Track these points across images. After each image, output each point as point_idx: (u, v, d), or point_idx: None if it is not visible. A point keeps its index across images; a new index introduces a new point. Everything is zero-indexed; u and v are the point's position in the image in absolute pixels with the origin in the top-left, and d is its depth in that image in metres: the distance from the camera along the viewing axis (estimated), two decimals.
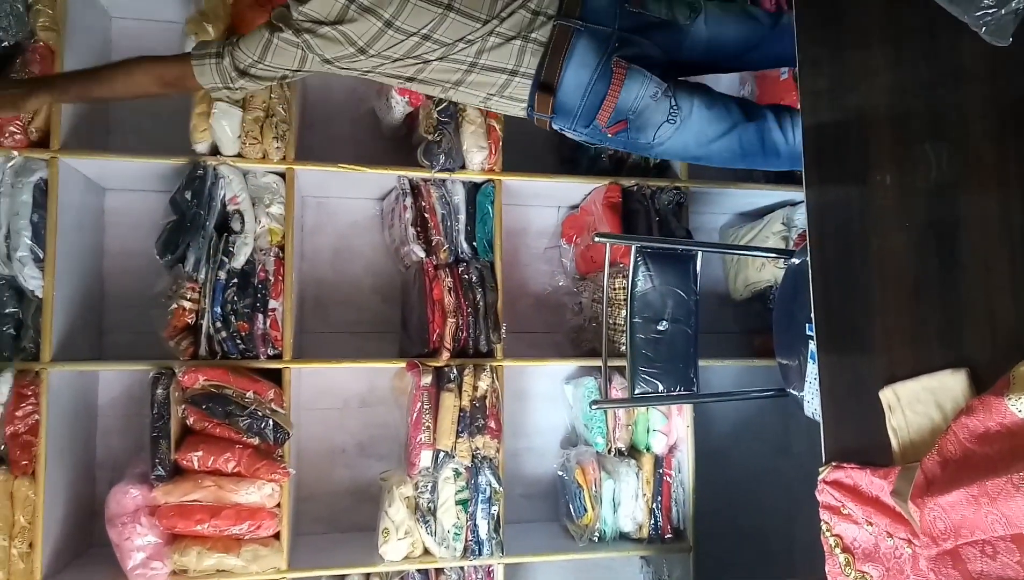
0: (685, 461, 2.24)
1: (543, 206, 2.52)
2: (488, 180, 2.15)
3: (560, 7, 1.51)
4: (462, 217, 2.12)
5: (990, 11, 0.81)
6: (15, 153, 1.81)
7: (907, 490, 0.89)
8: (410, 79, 1.55)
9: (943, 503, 0.82)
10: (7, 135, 1.79)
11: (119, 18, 2.22)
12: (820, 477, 1.11)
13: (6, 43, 1.80)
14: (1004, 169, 0.85)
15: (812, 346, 1.68)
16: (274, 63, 1.48)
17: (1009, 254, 0.83)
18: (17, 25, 1.78)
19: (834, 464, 1.09)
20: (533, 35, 1.50)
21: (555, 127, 1.62)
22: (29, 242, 1.80)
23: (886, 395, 0.99)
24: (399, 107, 2.08)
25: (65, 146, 1.86)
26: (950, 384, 0.89)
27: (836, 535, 1.07)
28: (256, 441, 1.87)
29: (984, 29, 0.82)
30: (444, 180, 2.13)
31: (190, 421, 1.86)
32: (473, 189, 2.17)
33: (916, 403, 0.94)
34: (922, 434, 0.93)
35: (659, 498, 2.20)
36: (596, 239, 1.89)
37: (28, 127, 1.82)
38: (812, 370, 1.75)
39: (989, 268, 0.86)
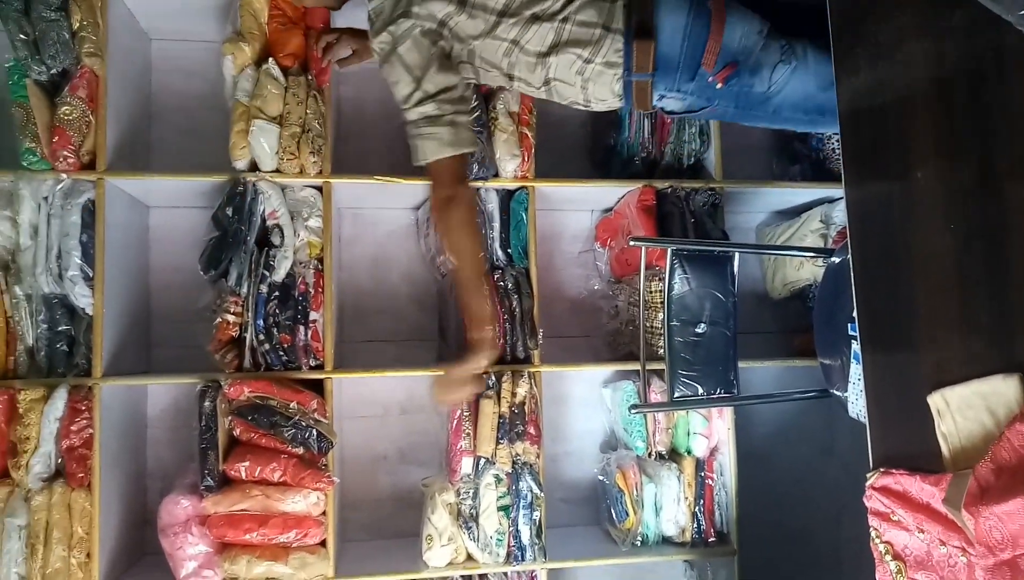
0: (727, 464, 2.22)
1: (576, 210, 2.52)
2: (521, 187, 2.16)
3: None
4: (496, 224, 2.14)
5: None
6: (64, 176, 1.87)
7: (959, 498, 0.88)
8: (509, 71, 1.53)
9: (999, 512, 0.81)
10: (61, 159, 1.85)
11: (158, 40, 2.28)
12: (868, 483, 1.10)
13: (54, 70, 1.86)
14: None
15: (855, 346, 1.66)
16: (426, 67, 1.45)
17: None
18: (64, 53, 1.84)
19: (882, 470, 1.08)
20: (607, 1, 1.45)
21: (657, 95, 1.50)
22: (79, 261, 1.85)
23: (935, 400, 0.97)
24: None
25: (111, 167, 1.92)
26: (1002, 389, 0.87)
27: (886, 542, 1.05)
28: (301, 451, 1.91)
29: None
30: (478, 188, 2.15)
31: (236, 432, 1.90)
32: (507, 196, 2.18)
33: (967, 408, 0.92)
34: (974, 440, 0.91)
35: (701, 501, 2.19)
36: (632, 243, 1.88)
37: (80, 150, 1.88)
38: (856, 370, 1.73)
39: None
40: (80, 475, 1.82)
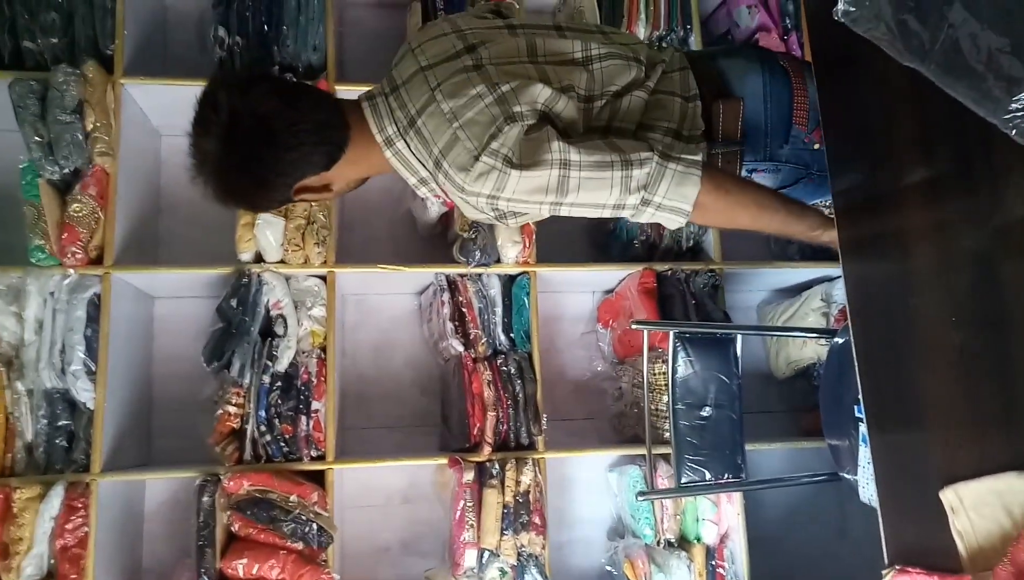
0: (738, 551, 2.16)
1: (578, 292, 2.54)
2: (523, 272, 2.18)
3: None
4: (499, 310, 2.15)
5: (1019, 113, 0.82)
6: (71, 271, 1.90)
7: None
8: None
9: None
10: (69, 255, 1.88)
11: (168, 135, 2.35)
12: None
13: (67, 170, 1.91)
14: None
15: (863, 428, 1.64)
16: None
17: None
18: (77, 153, 1.90)
19: (898, 568, 1.05)
20: (676, 72, 1.27)
21: (746, 171, 1.31)
22: (83, 356, 1.86)
23: (947, 496, 0.95)
24: (434, 207, 2.14)
25: (118, 261, 1.94)
26: (1018, 487, 0.86)
27: None
28: (300, 546, 1.86)
29: (1015, 132, 0.83)
30: (480, 274, 2.17)
31: (235, 528, 1.86)
32: (509, 281, 2.20)
33: (982, 506, 0.90)
34: (991, 540, 0.89)
35: None
36: (634, 326, 1.89)
37: (88, 246, 1.91)
38: (864, 453, 1.70)
39: None
40: (73, 576, 1.77)
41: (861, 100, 1.19)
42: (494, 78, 1.11)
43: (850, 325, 1.22)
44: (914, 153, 1.06)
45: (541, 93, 1.12)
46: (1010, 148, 0.85)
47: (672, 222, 1.16)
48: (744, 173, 1.32)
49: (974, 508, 0.92)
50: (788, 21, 2.47)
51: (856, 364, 1.21)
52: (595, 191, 1.11)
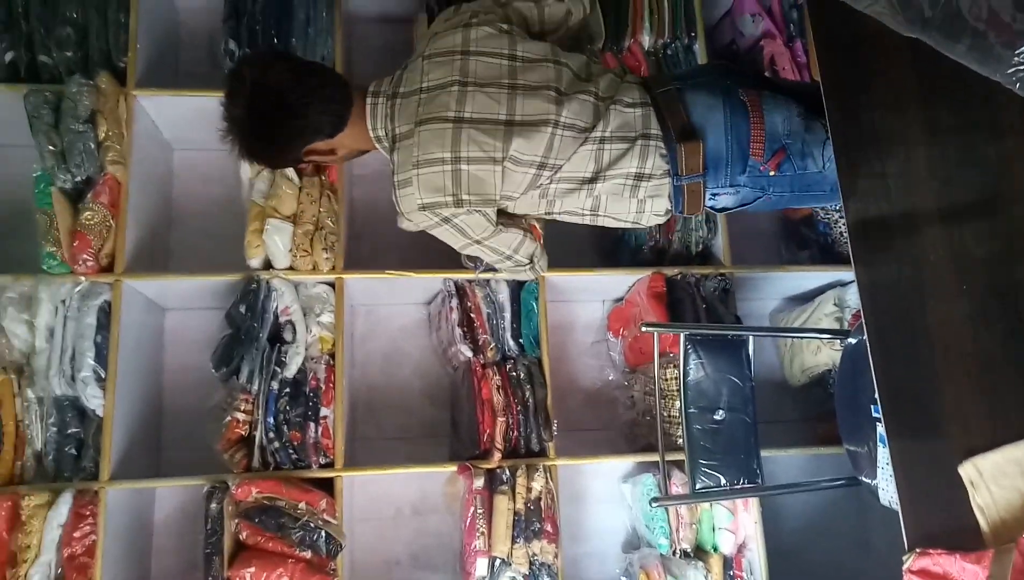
0: (756, 561, 2.10)
1: (587, 301, 2.52)
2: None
3: (650, 83, 1.50)
4: (507, 315, 2.14)
5: (1022, 67, 0.81)
6: (83, 278, 1.91)
7: (1005, 575, 0.82)
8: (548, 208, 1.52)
9: None
10: (80, 263, 1.90)
11: (181, 149, 2.39)
12: (905, 567, 1.03)
13: (79, 178, 1.93)
14: None
15: (881, 429, 1.61)
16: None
17: None
18: (89, 161, 1.92)
19: (919, 551, 1.01)
20: (639, 108, 1.44)
21: (710, 194, 1.48)
22: (92, 363, 1.86)
23: (966, 470, 0.93)
24: None
25: (128, 269, 1.96)
26: None
27: None
28: (309, 554, 1.83)
29: (1019, 85, 0.82)
30: (488, 280, 2.16)
31: (243, 536, 1.84)
32: (517, 287, 2.19)
33: (1001, 477, 0.88)
34: (1013, 510, 0.86)
35: None
36: (644, 329, 1.87)
37: (99, 254, 1.92)
38: (883, 455, 1.66)
39: None
40: None
41: (865, 84, 1.19)
42: (462, 150, 1.35)
43: (864, 323, 1.21)
44: (924, 149, 1.05)
45: (488, 211, 1.43)
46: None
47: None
48: (708, 196, 1.48)
49: (994, 480, 0.89)
50: (792, 28, 2.48)
51: (871, 359, 1.19)
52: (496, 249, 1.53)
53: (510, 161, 1.37)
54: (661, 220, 1.55)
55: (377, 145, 1.46)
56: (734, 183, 1.45)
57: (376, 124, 1.42)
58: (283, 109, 1.34)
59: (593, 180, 1.44)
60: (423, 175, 1.35)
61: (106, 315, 1.92)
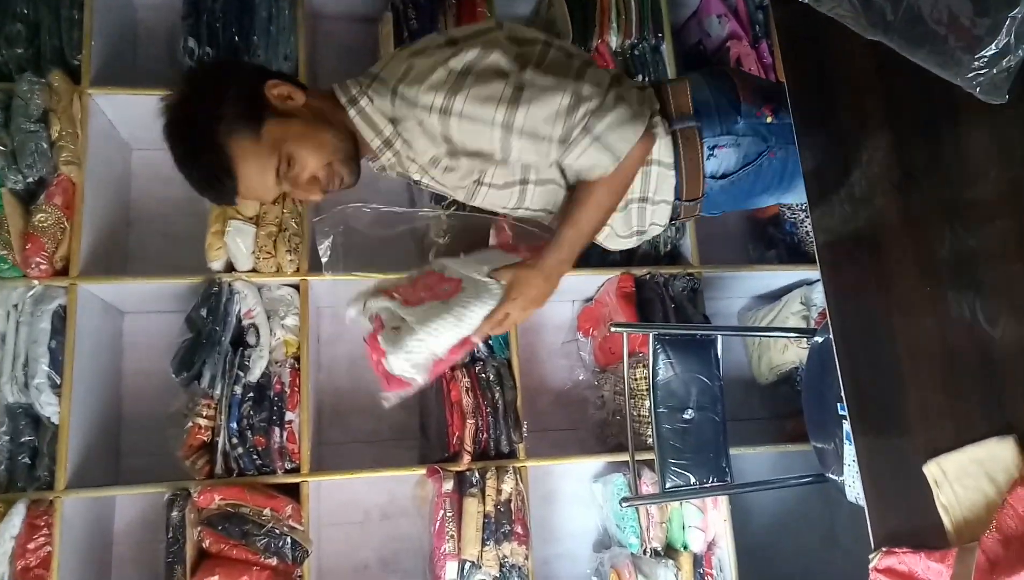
0: (726, 558, 2.11)
1: (557, 301, 2.51)
2: None
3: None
4: None
5: (982, 72, 0.82)
6: (35, 282, 1.85)
7: (968, 574, 0.82)
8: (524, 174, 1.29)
9: None
10: (33, 266, 1.83)
11: (139, 149, 2.32)
12: (871, 565, 1.03)
13: (31, 179, 1.87)
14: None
15: (847, 426, 1.62)
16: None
17: None
18: (41, 162, 1.86)
19: (885, 550, 1.02)
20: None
21: (708, 147, 1.35)
22: (47, 369, 1.80)
23: (931, 470, 0.93)
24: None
25: (84, 272, 1.90)
26: (999, 453, 0.83)
27: None
28: (274, 561, 1.80)
29: (978, 89, 0.82)
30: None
31: (206, 544, 1.79)
32: None
33: (965, 477, 0.88)
34: (976, 510, 0.86)
35: None
36: (612, 329, 1.86)
37: (53, 257, 1.86)
38: (849, 452, 1.67)
39: (1022, 324, 0.82)
40: None
41: (829, 85, 1.19)
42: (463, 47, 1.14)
43: (830, 324, 1.21)
44: (884, 140, 1.06)
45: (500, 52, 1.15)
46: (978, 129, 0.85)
47: (597, 167, 1.18)
48: (707, 151, 1.35)
49: (958, 480, 0.89)
50: (758, 29, 2.50)
51: (836, 356, 1.20)
52: (547, 103, 1.12)
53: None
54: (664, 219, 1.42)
55: (352, 112, 1.18)
56: (732, 131, 1.35)
57: (348, 88, 1.20)
58: (188, 115, 1.14)
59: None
60: (421, 58, 1.14)
61: (61, 320, 1.86)
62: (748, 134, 1.35)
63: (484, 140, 1.16)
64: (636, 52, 2.39)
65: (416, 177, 1.30)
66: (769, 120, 1.35)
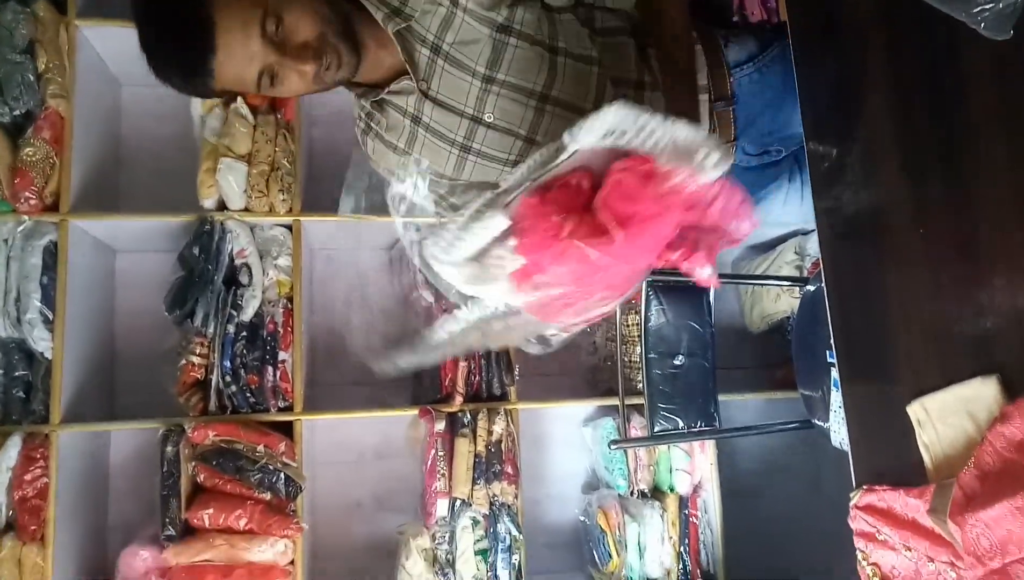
0: (711, 501, 2.16)
1: None
2: None
3: None
4: None
5: (987, 7, 0.80)
6: (25, 217, 1.83)
7: (945, 508, 0.84)
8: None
9: (985, 519, 0.77)
10: (23, 200, 1.81)
11: (129, 85, 2.28)
12: (852, 503, 1.06)
13: (18, 112, 1.84)
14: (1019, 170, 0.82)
15: (835, 374, 1.64)
16: None
17: None
18: (28, 94, 1.83)
19: (865, 487, 1.04)
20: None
21: (720, 37, 1.26)
22: (39, 304, 1.80)
23: (914, 410, 0.94)
24: None
25: (75, 209, 1.88)
26: (982, 392, 0.84)
27: (873, 564, 1.01)
28: (268, 496, 1.83)
29: (983, 25, 0.80)
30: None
31: (200, 478, 1.82)
32: None
33: (947, 415, 0.89)
34: (956, 447, 0.88)
35: (686, 541, 2.12)
36: None
37: (43, 192, 1.84)
38: (836, 398, 1.69)
39: (1012, 267, 0.83)
40: (32, 528, 1.72)
41: (831, 23, 1.17)
42: None
43: (823, 273, 1.21)
44: (887, 96, 1.04)
45: None
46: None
47: None
48: (722, 41, 1.27)
49: (940, 419, 0.90)
50: None
51: (827, 303, 1.20)
52: None
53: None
54: None
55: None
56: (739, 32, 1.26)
57: None
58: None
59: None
60: None
61: (52, 256, 1.85)
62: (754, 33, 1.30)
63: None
64: None
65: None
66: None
